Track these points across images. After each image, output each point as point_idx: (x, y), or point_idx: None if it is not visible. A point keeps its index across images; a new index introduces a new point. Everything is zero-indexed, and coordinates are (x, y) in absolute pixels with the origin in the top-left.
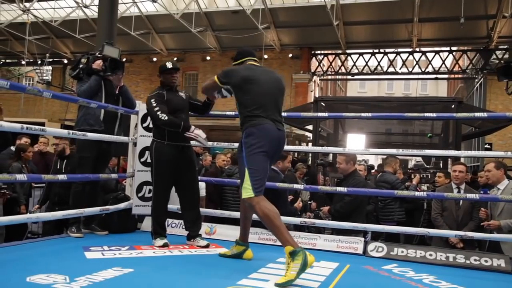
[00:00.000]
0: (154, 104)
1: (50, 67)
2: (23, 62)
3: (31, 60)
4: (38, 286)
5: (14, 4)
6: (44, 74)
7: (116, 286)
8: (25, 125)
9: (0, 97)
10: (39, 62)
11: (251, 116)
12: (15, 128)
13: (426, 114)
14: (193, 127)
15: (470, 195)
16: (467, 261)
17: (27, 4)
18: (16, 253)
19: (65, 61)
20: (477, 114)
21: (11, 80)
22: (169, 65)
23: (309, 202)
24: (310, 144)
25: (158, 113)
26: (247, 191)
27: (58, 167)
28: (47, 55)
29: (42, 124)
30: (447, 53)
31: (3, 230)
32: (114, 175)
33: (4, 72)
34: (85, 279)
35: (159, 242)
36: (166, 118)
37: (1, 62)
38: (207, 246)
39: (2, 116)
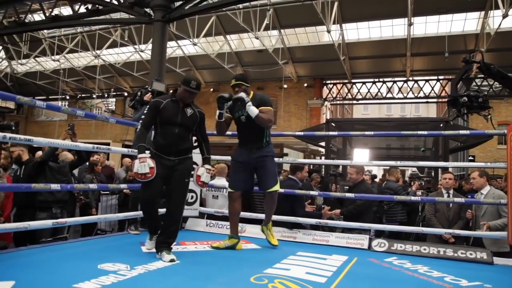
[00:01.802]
0: (145, 112)
1: (114, 99)
2: (94, 96)
3: (100, 94)
4: (106, 272)
5: (88, 52)
6: (110, 105)
7: (166, 274)
8: (95, 145)
9: (77, 123)
10: (106, 95)
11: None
12: (87, 148)
13: (419, 132)
14: (143, 155)
15: (457, 199)
16: (455, 254)
17: (98, 51)
18: (89, 246)
19: (125, 94)
20: (462, 132)
21: (86, 110)
22: (192, 84)
23: (322, 206)
24: (323, 157)
25: (140, 121)
26: (277, 186)
27: (18, 173)
28: (112, 90)
29: (108, 144)
30: (435, 81)
31: (80, 227)
32: None
33: (80, 104)
34: (142, 268)
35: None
36: (138, 130)
37: (78, 97)
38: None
39: (77, 138)
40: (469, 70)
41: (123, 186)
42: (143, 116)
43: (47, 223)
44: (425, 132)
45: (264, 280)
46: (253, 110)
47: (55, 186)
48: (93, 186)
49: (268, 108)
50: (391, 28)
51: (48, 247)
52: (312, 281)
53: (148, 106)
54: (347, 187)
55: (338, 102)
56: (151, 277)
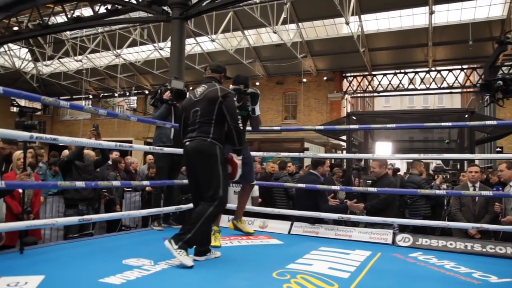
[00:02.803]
0: (238, 111)
1: (135, 97)
2: (116, 95)
3: (122, 92)
4: (131, 267)
5: (109, 51)
6: (131, 103)
7: (189, 269)
8: (118, 143)
9: (100, 121)
10: (127, 94)
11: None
12: (110, 146)
13: (443, 124)
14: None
15: (485, 192)
16: (483, 249)
17: (119, 51)
18: (114, 242)
19: (146, 92)
20: (488, 122)
21: (108, 108)
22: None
23: (345, 201)
24: (344, 151)
25: (236, 120)
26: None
27: (3, 170)
28: (133, 88)
29: (131, 141)
30: (459, 71)
31: (105, 223)
32: (185, 180)
33: (103, 103)
34: (165, 263)
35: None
36: (240, 128)
37: (101, 96)
38: None
39: (101, 138)
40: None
41: (145, 183)
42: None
43: (74, 219)
44: (449, 124)
45: (287, 276)
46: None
47: (79, 184)
48: (116, 183)
49: None
50: (411, 18)
51: (75, 243)
52: (335, 277)
53: (236, 105)
54: (370, 181)
55: (359, 95)
56: (175, 272)
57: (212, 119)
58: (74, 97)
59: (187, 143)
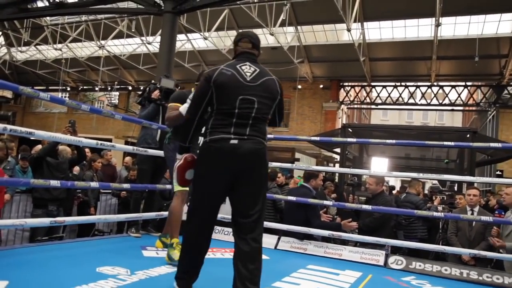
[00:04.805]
0: None
1: (117, 93)
2: (97, 89)
3: (103, 86)
4: (106, 276)
5: (93, 42)
6: (112, 99)
7: (169, 281)
8: (99, 142)
9: (77, 116)
10: (109, 88)
11: None
12: (91, 144)
13: (446, 143)
14: None
15: (485, 218)
16: (480, 278)
17: (103, 42)
18: (87, 248)
19: (130, 88)
20: (492, 144)
21: (87, 103)
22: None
23: (335, 217)
24: (337, 164)
25: None
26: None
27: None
28: (116, 83)
29: (110, 140)
30: (462, 88)
31: (76, 227)
32: (168, 186)
33: (81, 97)
34: (143, 273)
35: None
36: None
37: (80, 88)
38: None
39: (77, 134)
40: None
41: (126, 186)
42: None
43: (45, 221)
44: (452, 143)
45: None
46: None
47: (54, 183)
48: (94, 184)
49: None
50: (416, 29)
51: (44, 246)
52: None
53: None
54: (364, 198)
55: (356, 106)
56: (153, 283)
57: (267, 117)
58: (50, 88)
59: (235, 141)
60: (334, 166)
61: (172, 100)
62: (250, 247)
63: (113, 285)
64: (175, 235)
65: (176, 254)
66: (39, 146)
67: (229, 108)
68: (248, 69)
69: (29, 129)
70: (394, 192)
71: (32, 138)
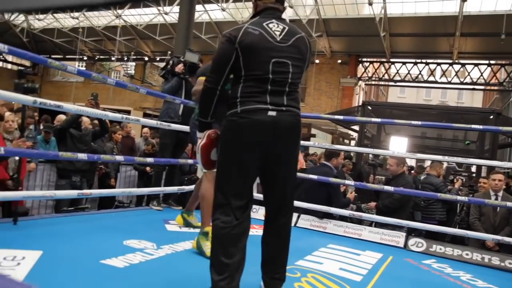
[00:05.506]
0: None
1: (133, 63)
2: (113, 59)
3: (119, 57)
4: (133, 249)
5: (109, 11)
6: (129, 69)
7: (194, 257)
8: (124, 116)
9: (93, 86)
10: (126, 58)
11: None
12: (117, 118)
13: (474, 126)
14: None
15: (510, 204)
16: (502, 264)
17: (119, 11)
18: (112, 220)
19: (146, 59)
20: None
21: (103, 73)
22: None
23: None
24: (352, 141)
25: None
26: None
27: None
28: (132, 53)
29: (128, 111)
30: (485, 66)
31: (98, 197)
32: (190, 160)
33: (98, 66)
34: (169, 248)
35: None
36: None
37: (96, 58)
38: None
39: (100, 107)
40: None
41: (149, 160)
42: None
43: (73, 193)
44: (480, 127)
45: (297, 273)
46: None
47: (82, 156)
48: (119, 158)
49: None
50: (441, 3)
51: (70, 217)
52: (347, 279)
53: None
54: (384, 178)
55: (374, 82)
56: (179, 258)
57: (300, 82)
58: (67, 56)
59: (273, 113)
60: (349, 142)
61: (200, 73)
62: (279, 229)
63: (141, 259)
64: (209, 222)
65: (207, 246)
66: (62, 116)
67: (262, 73)
68: (276, 27)
69: (58, 102)
70: (412, 172)
71: (63, 111)
